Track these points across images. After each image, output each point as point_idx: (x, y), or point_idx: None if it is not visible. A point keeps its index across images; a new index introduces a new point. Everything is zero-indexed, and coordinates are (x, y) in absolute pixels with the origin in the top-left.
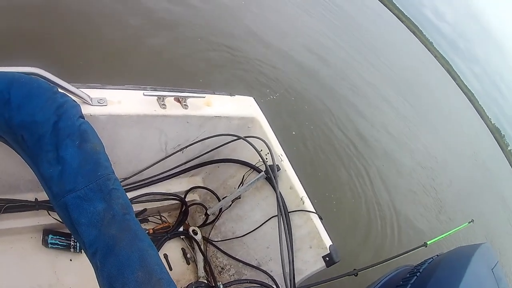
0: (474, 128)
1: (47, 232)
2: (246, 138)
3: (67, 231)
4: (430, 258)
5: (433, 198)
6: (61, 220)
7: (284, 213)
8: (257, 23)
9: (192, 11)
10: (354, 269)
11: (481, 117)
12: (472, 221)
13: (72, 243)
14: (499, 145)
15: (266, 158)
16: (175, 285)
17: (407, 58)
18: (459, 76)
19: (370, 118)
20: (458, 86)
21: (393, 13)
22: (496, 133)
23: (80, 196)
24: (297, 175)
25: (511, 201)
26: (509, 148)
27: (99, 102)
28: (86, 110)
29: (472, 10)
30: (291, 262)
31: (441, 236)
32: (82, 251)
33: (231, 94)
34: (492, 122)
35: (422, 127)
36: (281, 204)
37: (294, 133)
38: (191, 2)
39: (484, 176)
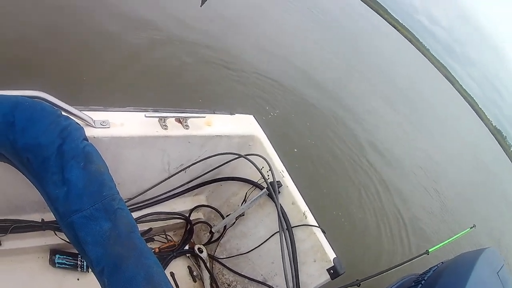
0: (474, 131)
1: (54, 252)
2: (247, 156)
3: (74, 250)
4: (435, 266)
5: (437, 202)
6: (68, 240)
7: (287, 228)
8: (259, 39)
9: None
10: (357, 280)
11: (481, 120)
12: (474, 226)
13: (79, 262)
14: (501, 146)
15: (268, 175)
16: None
17: (405, 67)
18: (457, 80)
19: (372, 128)
20: (457, 90)
21: (389, 23)
22: (497, 134)
23: (86, 216)
24: (299, 191)
25: None
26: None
27: (102, 125)
28: (89, 132)
29: (465, 13)
30: (296, 276)
31: (442, 243)
32: (89, 270)
33: (231, 113)
34: (493, 124)
35: (421, 133)
36: (282, 219)
37: (296, 150)
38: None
39: (487, 178)
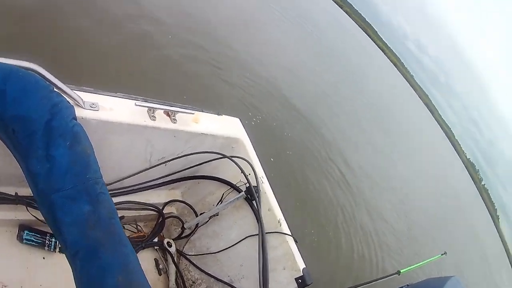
0: (449, 161)
1: (23, 227)
2: (231, 158)
3: (43, 229)
4: (400, 287)
5: (406, 229)
6: (40, 218)
7: (261, 232)
8: (250, 48)
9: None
10: None
11: (456, 151)
12: (445, 253)
13: (47, 241)
14: (473, 179)
15: (248, 179)
16: None
17: (388, 90)
18: (437, 109)
19: (348, 147)
20: (435, 119)
21: (376, 45)
22: (470, 167)
23: (66, 196)
24: (276, 199)
25: (481, 234)
26: (483, 183)
27: (91, 107)
28: (78, 112)
29: (455, 45)
30: (265, 281)
31: (414, 266)
32: (57, 250)
33: (218, 114)
34: (467, 157)
35: (395, 157)
36: (262, 224)
37: (272, 159)
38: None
39: (456, 208)
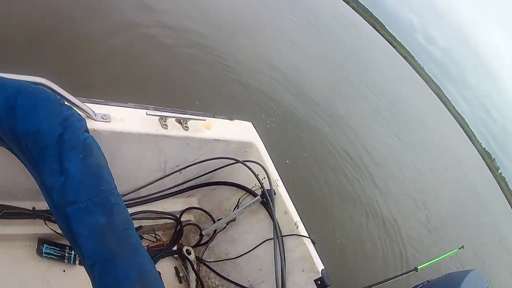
0: (464, 151)
1: (42, 241)
2: (244, 162)
3: (62, 241)
4: (420, 284)
5: (426, 217)
6: (57, 231)
7: (277, 236)
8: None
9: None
10: None
11: (471, 141)
12: (462, 247)
13: (66, 254)
14: (489, 169)
15: (262, 183)
16: None
17: (400, 84)
18: (449, 100)
19: (363, 140)
20: (449, 110)
21: (385, 39)
22: (486, 157)
23: (81, 208)
24: (292, 201)
25: (501, 224)
26: (499, 172)
27: (102, 118)
28: (89, 125)
29: (463, 35)
30: (283, 285)
31: (431, 261)
32: (76, 263)
33: (230, 119)
34: (483, 146)
35: (411, 151)
36: (278, 228)
37: (288, 162)
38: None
39: (476, 200)
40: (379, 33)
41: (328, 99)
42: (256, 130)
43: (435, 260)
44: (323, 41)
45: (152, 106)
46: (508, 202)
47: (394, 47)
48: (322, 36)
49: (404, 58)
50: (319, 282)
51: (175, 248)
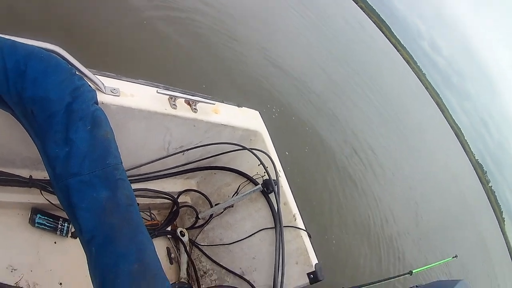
0: (457, 161)
1: (36, 211)
2: (251, 150)
3: (56, 213)
4: (412, 286)
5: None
6: (53, 202)
7: (276, 226)
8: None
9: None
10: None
11: (465, 152)
12: (456, 256)
13: (59, 226)
14: (480, 181)
15: (265, 172)
16: (169, 283)
17: (400, 87)
18: (447, 109)
19: (366, 143)
20: (446, 119)
21: (390, 41)
22: (478, 169)
23: (84, 181)
24: (292, 193)
25: (487, 235)
26: (490, 185)
27: (112, 92)
28: (98, 97)
29: (469, 47)
30: (282, 275)
31: (426, 267)
32: (69, 235)
33: (238, 105)
34: (476, 158)
35: (403, 154)
36: (281, 217)
37: (287, 153)
38: None
39: (464, 210)
40: (385, 35)
41: (329, 97)
42: (263, 119)
43: (430, 266)
44: (328, 37)
45: (162, 85)
46: (495, 215)
47: (398, 50)
48: (327, 32)
49: (407, 63)
50: (311, 276)
51: (169, 228)
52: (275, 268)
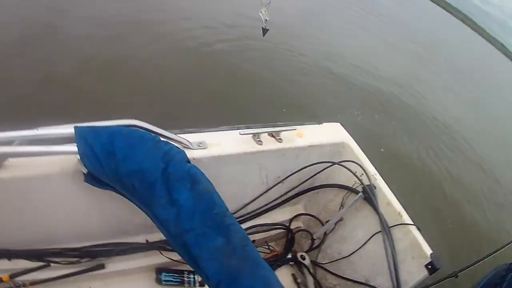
0: None
1: (160, 270)
2: (341, 163)
3: (178, 267)
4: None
5: None
6: (174, 258)
7: (386, 229)
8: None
9: None
10: (454, 271)
11: None
12: None
13: (185, 278)
14: None
15: (361, 179)
16: None
17: (465, 50)
18: None
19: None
20: None
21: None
22: None
23: (199, 234)
24: (392, 191)
25: None
26: None
27: (199, 146)
28: (188, 154)
29: None
30: (396, 274)
31: None
32: (197, 285)
33: (319, 123)
34: None
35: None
36: (384, 220)
37: (382, 150)
38: None
39: None
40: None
41: (405, 78)
42: (346, 129)
43: None
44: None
45: (244, 125)
46: None
47: (450, 12)
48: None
49: (462, 22)
50: (429, 266)
51: (289, 256)
52: (389, 268)
